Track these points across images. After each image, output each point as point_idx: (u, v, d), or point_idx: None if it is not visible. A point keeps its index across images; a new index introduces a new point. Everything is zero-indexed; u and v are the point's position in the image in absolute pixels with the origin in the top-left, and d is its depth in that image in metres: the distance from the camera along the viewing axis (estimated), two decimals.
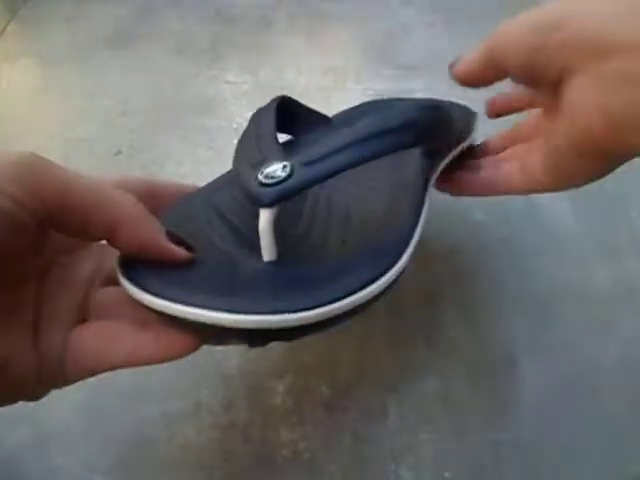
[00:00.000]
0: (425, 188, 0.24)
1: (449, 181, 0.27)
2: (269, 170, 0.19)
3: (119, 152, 0.41)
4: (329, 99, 0.48)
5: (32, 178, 0.16)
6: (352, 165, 0.19)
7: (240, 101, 0.47)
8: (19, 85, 0.50)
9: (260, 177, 0.19)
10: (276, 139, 0.22)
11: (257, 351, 0.28)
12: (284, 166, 0.19)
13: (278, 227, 0.19)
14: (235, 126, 0.44)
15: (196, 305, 0.17)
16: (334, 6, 0.63)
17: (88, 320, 0.19)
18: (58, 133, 0.43)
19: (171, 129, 0.44)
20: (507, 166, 0.25)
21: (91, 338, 0.18)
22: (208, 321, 0.16)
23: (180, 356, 0.19)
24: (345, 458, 0.25)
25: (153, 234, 0.18)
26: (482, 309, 0.31)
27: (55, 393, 0.26)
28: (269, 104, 0.25)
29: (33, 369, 0.17)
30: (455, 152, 0.27)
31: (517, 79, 0.22)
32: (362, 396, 0.27)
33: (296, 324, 0.17)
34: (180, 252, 0.18)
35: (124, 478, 0.24)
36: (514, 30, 0.20)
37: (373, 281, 0.18)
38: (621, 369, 0.28)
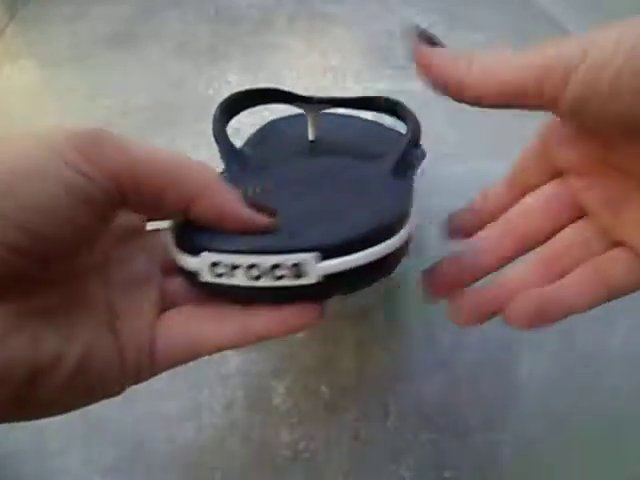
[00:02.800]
0: None
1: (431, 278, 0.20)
2: None
3: None
4: None
5: (100, 151, 0.15)
6: None
7: None
8: (19, 85, 0.50)
9: None
10: None
11: (257, 351, 0.28)
12: None
13: None
14: (236, 126, 0.44)
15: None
16: (334, 6, 0.63)
17: (168, 309, 0.19)
18: None
19: (171, 129, 0.44)
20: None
21: (184, 323, 0.18)
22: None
23: (303, 327, 0.18)
24: (345, 458, 0.25)
25: (233, 205, 0.17)
26: None
27: None
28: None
29: (116, 363, 0.17)
30: None
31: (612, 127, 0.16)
32: (362, 396, 0.27)
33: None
34: (262, 219, 0.17)
35: (124, 478, 0.24)
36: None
37: None
38: (621, 368, 0.28)
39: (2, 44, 0.55)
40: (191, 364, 0.28)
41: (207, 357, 0.28)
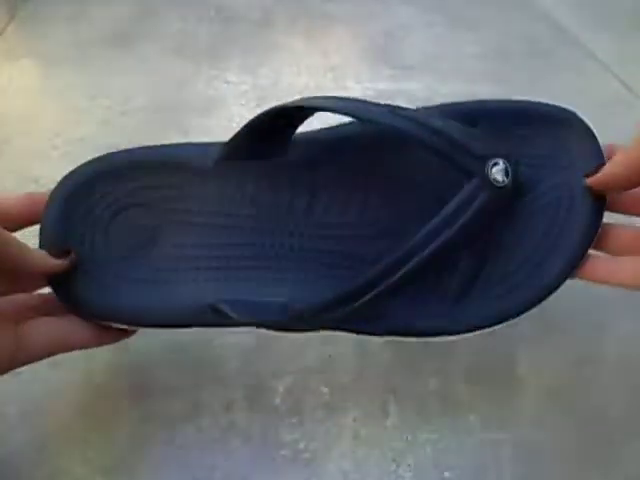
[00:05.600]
0: None
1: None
2: None
3: None
4: None
5: None
6: None
7: (240, 101, 0.47)
8: (19, 85, 0.50)
9: None
10: None
11: (257, 351, 0.28)
12: None
13: None
14: (235, 126, 0.44)
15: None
16: (334, 6, 0.63)
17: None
18: (58, 133, 0.43)
19: (171, 129, 0.44)
20: None
21: (44, 328, 0.22)
22: None
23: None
24: (345, 458, 0.25)
25: (42, 264, 0.21)
26: None
27: (55, 393, 0.26)
28: None
29: None
30: None
31: None
32: (362, 396, 0.27)
33: None
34: (63, 263, 0.22)
35: (124, 478, 0.24)
36: None
37: None
38: (620, 369, 0.28)
39: (2, 44, 0.55)
40: (191, 364, 0.28)
41: (207, 357, 0.28)
